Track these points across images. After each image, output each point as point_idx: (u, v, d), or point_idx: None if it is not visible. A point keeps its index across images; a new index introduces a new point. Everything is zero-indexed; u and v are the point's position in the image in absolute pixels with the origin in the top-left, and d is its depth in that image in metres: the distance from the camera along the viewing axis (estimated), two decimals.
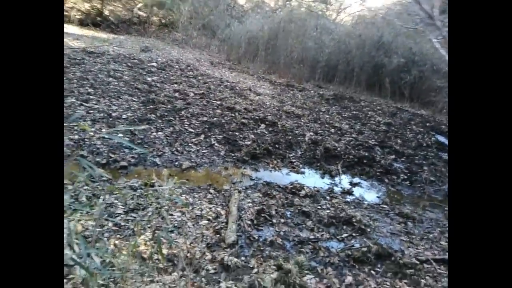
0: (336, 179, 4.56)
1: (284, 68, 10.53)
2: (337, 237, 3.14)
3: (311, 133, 5.78)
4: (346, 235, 3.18)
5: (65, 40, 8.67)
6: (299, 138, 5.52)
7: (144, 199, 2.92)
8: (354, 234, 3.21)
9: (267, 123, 5.87)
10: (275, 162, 4.63)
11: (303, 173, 4.57)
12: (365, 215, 3.61)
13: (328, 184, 4.36)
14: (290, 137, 5.45)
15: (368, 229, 3.31)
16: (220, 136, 4.98)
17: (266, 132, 5.49)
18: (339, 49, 10.95)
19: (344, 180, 4.59)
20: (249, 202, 3.42)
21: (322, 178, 4.55)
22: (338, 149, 5.34)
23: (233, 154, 4.56)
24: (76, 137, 3.91)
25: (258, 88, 8.50)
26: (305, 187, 4.02)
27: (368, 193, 4.36)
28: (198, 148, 4.51)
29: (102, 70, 6.65)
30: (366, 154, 5.38)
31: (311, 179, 4.42)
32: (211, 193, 3.46)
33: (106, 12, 13.62)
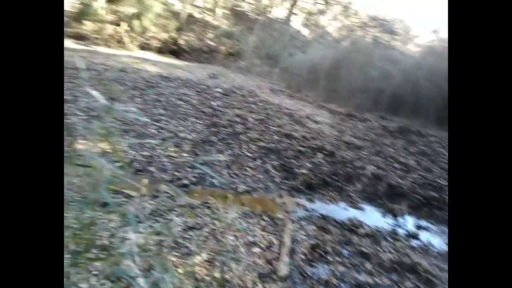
0: (400, 219, 4.16)
1: (345, 97, 10.32)
2: (400, 285, 2.81)
3: (373, 167, 5.44)
4: (411, 285, 2.83)
5: (143, 65, 9.83)
6: (359, 171, 5.24)
7: (202, 218, 3.01)
8: (419, 285, 2.84)
9: (325, 152, 5.72)
10: (332, 194, 4.43)
11: (362, 209, 4.28)
12: (433, 264, 3.19)
13: (390, 225, 3.99)
14: (349, 169, 5.21)
15: (437, 281, 2.90)
16: (276, 163, 4.98)
17: (324, 162, 5.34)
18: (406, 80, 10.39)
19: (409, 222, 4.16)
20: (303, 235, 3.29)
21: (384, 217, 4.19)
22: (403, 186, 4.91)
23: (288, 182, 4.50)
24: (146, 153, 4.28)
25: (317, 116, 8.42)
26: (364, 225, 3.74)
27: (437, 239, 3.86)
28: (254, 173, 4.56)
29: (173, 94, 7.31)
30: (436, 195, 4.84)
31: (371, 217, 4.10)
32: (264, 220, 3.42)
33: (181, 42, 15.17)
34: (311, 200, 4.19)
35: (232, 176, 4.33)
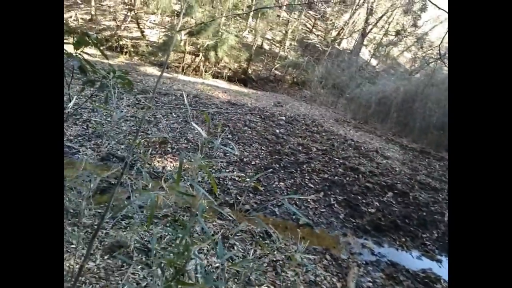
0: None
1: (419, 133, 9.51)
2: None
3: None
4: None
5: (215, 92, 10.56)
6: (436, 216, 4.64)
7: (263, 248, 2.95)
8: None
9: (395, 191, 5.24)
10: (403, 239, 3.97)
11: (439, 261, 3.72)
12: None
13: None
14: (424, 213, 4.65)
15: None
16: (341, 197, 4.72)
17: (394, 202, 4.88)
18: None
19: None
20: (369, 281, 2.98)
21: None
22: None
23: (353, 220, 4.19)
24: (227, 175, 4.46)
25: (386, 151, 7.87)
26: (442, 280, 3.24)
27: None
28: (316, 206, 4.37)
29: (240, 120, 7.63)
30: None
31: None
32: (327, 259, 3.20)
33: (250, 71, 16.03)
34: (379, 244, 3.81)
35: (293, 206, 4.22)
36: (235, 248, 2.89)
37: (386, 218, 4.27)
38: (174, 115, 6.81)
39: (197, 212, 1.01)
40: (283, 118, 8.96)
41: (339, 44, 21.51)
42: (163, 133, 5.54)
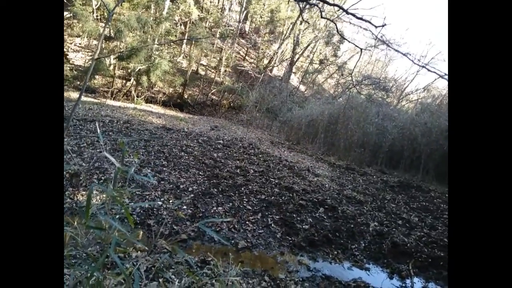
0: (408, 281, 3.94)
1: (344, 151, 10.51)
2: None
3: (376, 223, 5.32)
4: None
5: (149, 117, 10.18)
6: (362, 227, 5.11)
7: (200, 277, 2.85)
8: None
9: (326, 207, 5.64)
10: (335, 252, 4.26)
11: (368, 269, 4.07)
12: None
13: (398, 287, 3.77)
14: (352, 226, 5.08)
15: None
16: (277, 217, 4.88)
17: (325, 217, 5.23)
18: (403, 136, 10.70)
19: (417, 284, 3.93)
20: None
21: (391, 278, 3.97)
22: (408, 245, 4.74)
23: (289, 238, 4.36)
24: (147, 205, 4.22)
25: (317, 169, 8.47)
26: (371, 287, 3.53)
27: None
28: (254, 227, 4.44)
29: (176, 145, 7.45)
30: (442, 254, 4.65)
31: (378, 278, 3.89)
32: (265, 281, 3.24)
33: (186, 96, 15.92)
34: (314, 259, 4.01)
35: (232, 231, 4.21)
36: (170, 282, 2.74)
37: (319, 233, 4.54)
38: (102, 143, 6.33)
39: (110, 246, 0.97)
40: (221, 141, 9.03)
41: (270, 71, 22.92)
42: (85, 163, 5.08)
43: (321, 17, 5.58)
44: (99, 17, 14.73)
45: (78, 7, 13.39)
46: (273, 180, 6.56)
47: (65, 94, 12.54)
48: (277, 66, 23.66)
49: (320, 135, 11.38)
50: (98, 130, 1.40)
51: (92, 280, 0.95)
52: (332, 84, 26.98)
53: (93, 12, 14.01)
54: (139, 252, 2.92)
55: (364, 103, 12.38)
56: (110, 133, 7.32)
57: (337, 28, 6.70)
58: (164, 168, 5.73)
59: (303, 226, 4.71)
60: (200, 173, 5.99)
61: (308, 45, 23.37)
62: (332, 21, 7.63)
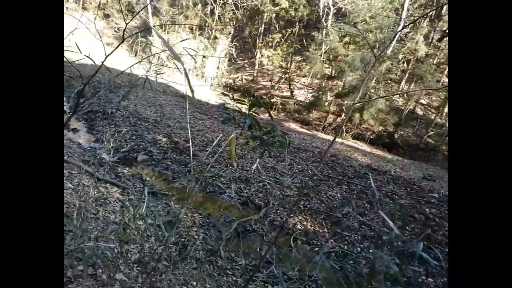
0: None
1: None
2: None
3: None
4: None
5: (354, 154, 10.12)
6: None
7: None
8: None
9: None
10: None
11: None
12: None
13: None
14: None
15: None
16: None
17: None
18: None
19: None
20: None
21: None
22: None
23: None
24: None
25: None
26: None
27: None
28: None
29: (380, 189, 6.87)
30: None
31: None
32: None
33: (396, 136, 14.77)
34: None
35: None
36: None
37: None
38: (310, 172, 6.85)
39: None
40: (435, 195, 7.50)
41: None
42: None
43: None
44: (324, 59, 16.67)
45: (311, 52, 15.82)
46: None
47: (286, 124, 14.96)
48: None
49: None
50: (372, 184, 1.40)
51: None
52: None
53: (321, 55, 16.05)
54: None
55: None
56: (317, 164, 7.83)
57: None
58: (367, 212, 5.37)
59: None
60: (408, 229, 5.14)
61: None
62: None
